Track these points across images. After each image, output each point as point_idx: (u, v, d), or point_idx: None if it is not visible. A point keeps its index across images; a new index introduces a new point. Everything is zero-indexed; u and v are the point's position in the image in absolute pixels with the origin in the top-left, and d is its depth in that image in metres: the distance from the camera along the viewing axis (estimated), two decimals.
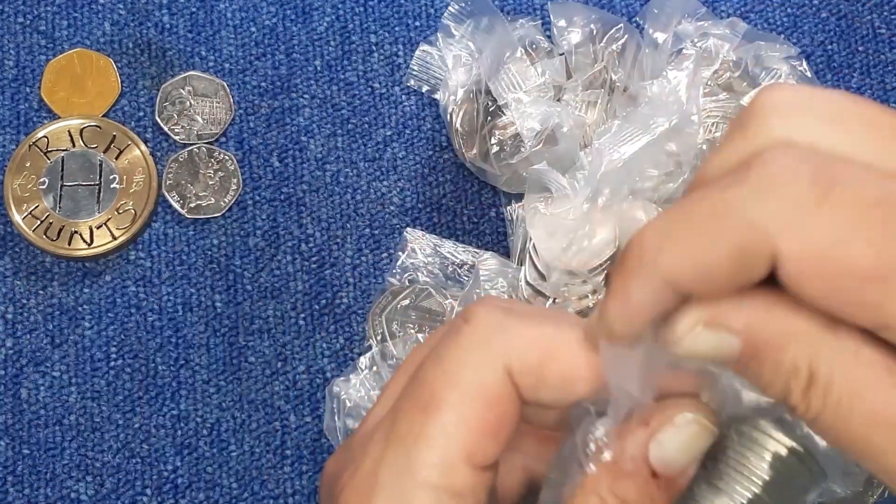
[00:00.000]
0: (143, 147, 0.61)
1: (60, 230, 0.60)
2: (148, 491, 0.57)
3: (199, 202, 0.61)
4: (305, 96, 0.63)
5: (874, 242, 0.27)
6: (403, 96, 0.63)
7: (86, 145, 0.61)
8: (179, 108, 0.62)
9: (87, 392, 0.58)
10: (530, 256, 0.56)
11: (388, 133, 0.63)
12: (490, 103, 0.60)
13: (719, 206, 0.28)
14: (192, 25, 0.63)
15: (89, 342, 0.59)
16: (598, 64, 0.61)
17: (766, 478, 0.32)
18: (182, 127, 0.62)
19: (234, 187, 0.61)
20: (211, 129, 0.62)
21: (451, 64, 0.62)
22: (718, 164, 0.30)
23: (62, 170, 0.60)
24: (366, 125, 0.63)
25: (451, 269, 0.59)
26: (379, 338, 0.58)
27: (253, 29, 0.64)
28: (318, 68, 0.63)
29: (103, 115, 0.62)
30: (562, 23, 0.61)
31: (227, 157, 0.61)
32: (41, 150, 0.61)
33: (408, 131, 0.63)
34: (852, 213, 0.27)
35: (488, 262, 0.58)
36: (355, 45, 0.64)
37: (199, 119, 0.62)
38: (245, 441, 0.58)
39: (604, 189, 0.55)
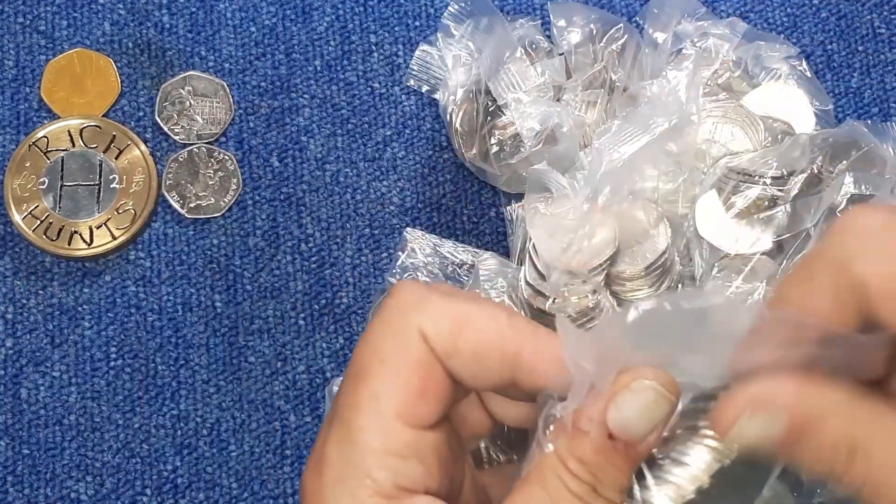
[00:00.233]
0: (142, 147, 0.61)
1: (60, 230, 0.60)
2: (148, 491, 0.57)
3: (198, 202, 0.61)
4: (305, 96, 0.63)
5: None
6: (403, 96, 0.63)
7: (85, 145, 0.61)
8: (179, 108, 0.62)
9: (87, 392, 0.58)
10: (530, 256, 0.56)
11: (388, 133, 0.63)
12: (490, 103, 0.60)
13: (813, 254, 0.32)
14: (192, 25, 0.63)
15: (89, 342, 0.59)
16: (597, 64, 0.61)
17: (708, 480, 0.33)
18: (182, 127, 0.62)
19: (234, 187, 0.61)
20: (211, 129, 0.62)
21: (450, 64, 0.62)
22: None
23: (62, 170, 0.60)
24: (366, 125, 0.63)
25: (450, 269, 0.59)
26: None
27: (253, 29, 0.64)
28: (318, 68, 0.63)
29: (103, 115, 0.62)
30: (561, 23, 0.61)
31: (226, 157, 0.61)
32: (41, 150, 0.61)
33: (408, 131, 0.63)
34: None
35: (488, 262, 0.58)
36: (355, 45, 0.64)
37: (199, 119, 0.62)
38: (245, 441, 0.58)
39: (604, 189, 0.55)
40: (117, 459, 0.58)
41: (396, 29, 0.64)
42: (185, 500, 0.57)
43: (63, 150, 0.61)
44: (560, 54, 0.61)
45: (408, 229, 0.60)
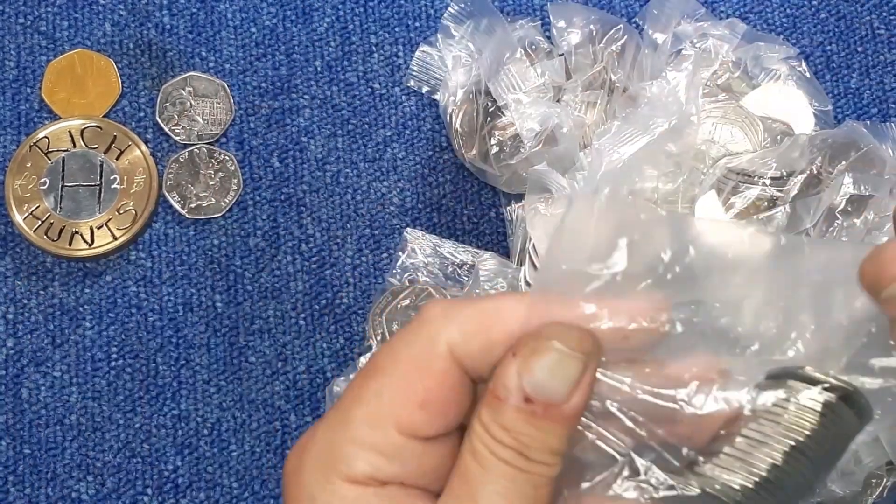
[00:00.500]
0: (143, 147, 0.61)
1: (61, 230, 0.60)
2: (149, 490, 0.57)
3: (199, 202, 0.61)
4: (305, 97, 0.63)
5: None
6: (403, 97, 0.63)
7: (86, 146, 0.61)
8: (180, 108, 0.62)
9: (88, 392, 0.58)
10: (530, 256, 0.56)
11: (388, 133, 0.63)
12: (490, 104, 0.60)
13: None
14: (193, 26, 0.64)
15: (90, 342, 0.59)
16: (597, 65, 0.61)
17: (808, 432, 0.32)
18: (182, 127, 0.62)
19: (235, 188, 0.61)
20: (211, 130, 0.62)
21: (450, 65, 0.62)
22: None
23: (63, 170, 0.61)
24: (366, 126, 0.63)
25: (451, 269, 0.60)
26: (379, 338, 0.58)
27: (253, 30, 0.64)
28: (319, 69, 0.63)
29: (104, 116, 0.62)
30: (561, 23, 0.61)
31: (227, 158, 0.61)
32: (42, 151, 0.61)
33: (408, 132, 0.63)
34: None
35: (488, 262, 0.58)
36: (355, 46, 0.64)
37: (200, 119, 0.62)
38: (245, 441, 0.58)
39: (604, 189, 0.55)
40: (118, 459, 0.58)
41: (397, 30, 0.64)
42: (186, 499, 0.57)
43: (64, 151, 0.61)
44: (560, 55, 0.61)
45: (408, 230, 0.60)
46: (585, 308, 0.33)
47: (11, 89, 0.62)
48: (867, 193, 0.56)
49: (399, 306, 0.58)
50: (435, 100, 0.63)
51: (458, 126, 0.61)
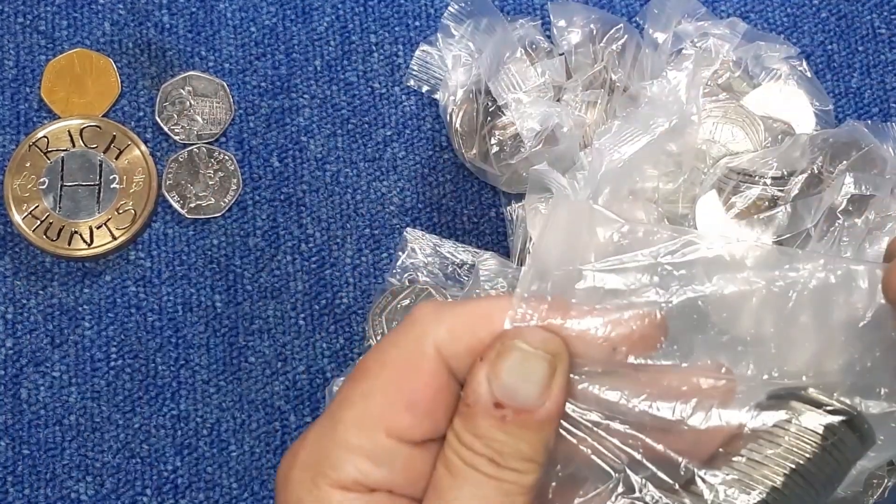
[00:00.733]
0: (143, 147, 0.61)
1: (60, 230, 0.60)
2: (148, 491, 0.57)
3: (199, 202, 0.61)
4: (305, 96, 0.63)
5: None
6: (403, 96, 0.63)
7: (86, 145, 0.61)
8: (179, 108, 0.62)
9: (87, 392, 0.58)
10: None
11: (388, 133, 0.63)
12: (490, 103, 0.60)
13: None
14: (192, 25, 0.63)
15: (89, 342, 0.59)
16: (597, 64, 0.61)
17: (809, 455, 0.32)
18: (182, 127, 0.62)
19: (234, 187, 0.61)
20: (211, 130, 0.62)
21: (450, 64, 0.62)
22: None
23: (62, 170, 0.60)
24: (366, 125, 0.63)
25: (451, 269, 0.60)
26: (379, 338, 0.58)
27: (253, 29, 0.64)
28: (318, 68, 0.63)
29: (103, 116, 0.62)
30: (562, 23, 0.61)
31: (227, 158, 0.61)
32: (41, 151, 0.61)
33: (408, 131, 0.63)
34: None
35: (488, 262, 0.58)
36: (355, 46, 0.64)
37: (199, 119, 0.62)
38: (245, 441, 0.58)
39: (604, 189, 0.55)
40: (117, 460, 0.58)
41: (397, 29, 0.64)
42: (186, 500, 0.57)
43: (63, 151, 0.61)
44: (560, 54, 0.61)
45: (408, 229, 0.60)
46: (574, 312, 0.33)
47: (10, 89, 0.62)
48: (868, 193, 0.56)
49: (399, 306, 0.58)
50: (435, 99, 0.63)
51: (458, 126, 0.61)
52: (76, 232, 0.60)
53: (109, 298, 0.60)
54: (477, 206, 0.62)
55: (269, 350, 0.59)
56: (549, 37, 0.62)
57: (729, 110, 0.59)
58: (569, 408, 0.33)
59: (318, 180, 0.62)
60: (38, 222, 0.60)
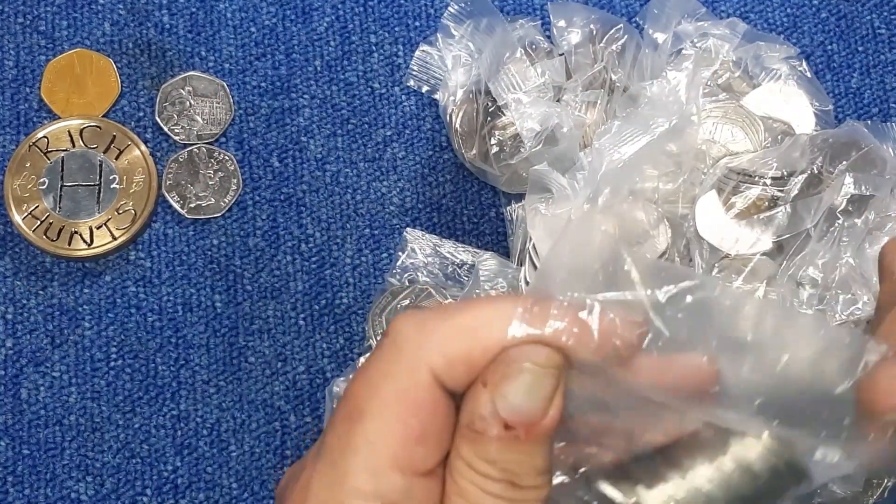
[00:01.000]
0: (143, 147, 0.61)
1: (60, 230, 0.60)
2: (148, 491, 0.57)
3: (199, 202, 0.61)
4: (305, 96, 0.63)
5: None
6: (403, 96, 0.63)
7: (86, 145, 0.61)
8: (179, 108, 0.62)
9: (87, 392, 0.58)
10: (530, 257, 0.56)
11: (388, 133, 0.63)
12: (490, 104, 0.60)
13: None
14: (192, 26, 0.63)
15: (89, 342, 0.59)
16: (597, 64, 0.61)
17: (740, 483, 0.32)
18: (182, 127, 0.62)
19: (234, 187, 0.61)
20: (211, 130, 0.62)
21: (450, 64, 0.62)
22: None
23: (62, 170, 0.60)
24: (366, 125, 0.63)
25: (451, 269, 0.60)
26: (379, 338, 0.58)
27: (253, 29, 0.64)
28: (318, 68, 0.63)
29: (103, 116, 0.62)
30: (561, 23, 0.61)
31: (227, 158, 0.61)
32: (41, 151, 0.61)
33: (408, 131, 0.63)
34: None
35: (488, 262, 0.58)
36: (355, 46, 0.64)
37: (199, 119, 0.62)
38: (245, 441, 0.58)
39: (604, 189, 0.55)
40: (117, 460, 0.58)
41: (396, 29, 0.64)
42: (186, 500, 0.57)
43: (63, 151, 0.61)
44: (560, 55, 0.61)
45: (408, 229, 0.60)
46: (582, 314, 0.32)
47: (10, 89, 0.62)
48: (868, 193, 0.56)
49: (399, 306, 0.58)
50: (435, 99, 0.63)
51: (458, 126, 0.61)
52: (76, 232, 0.60)
53: (109, 298, 0.60)
54: (477, 207, 0.62)
55: (269, 350, 0.59)
56: (548, 37, 0.63)
57: (729, 110, 0.59)
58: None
59: (318, 180, 0.62)
60: (38, 222, 0.60)
